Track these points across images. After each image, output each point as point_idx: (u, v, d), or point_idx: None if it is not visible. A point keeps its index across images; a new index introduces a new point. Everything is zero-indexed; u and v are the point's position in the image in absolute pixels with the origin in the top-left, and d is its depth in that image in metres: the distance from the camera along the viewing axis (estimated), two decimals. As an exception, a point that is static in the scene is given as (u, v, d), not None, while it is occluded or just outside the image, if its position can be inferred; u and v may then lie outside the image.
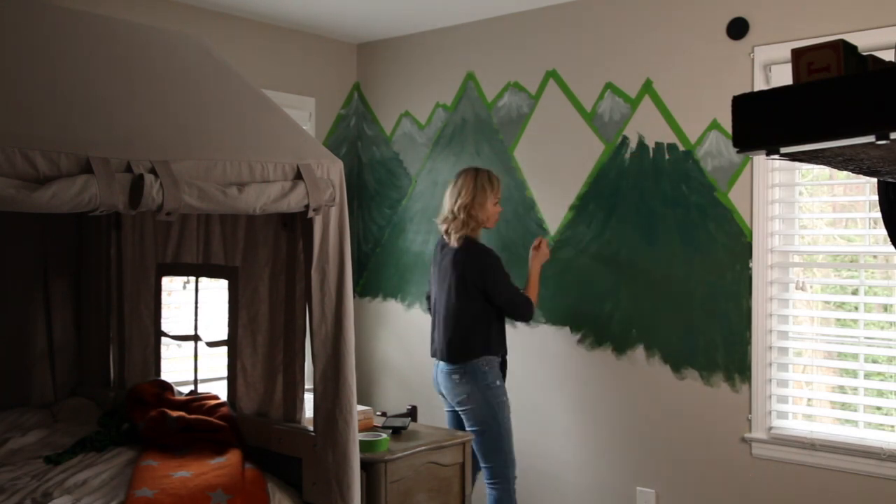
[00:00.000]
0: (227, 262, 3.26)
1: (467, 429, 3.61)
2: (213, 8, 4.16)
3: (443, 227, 3.72)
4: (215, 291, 3.56)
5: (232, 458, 2.85)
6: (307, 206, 2.66)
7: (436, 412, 4.25)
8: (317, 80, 4.67)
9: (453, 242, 3.65)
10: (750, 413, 3.54)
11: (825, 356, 3.48)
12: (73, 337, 3.75)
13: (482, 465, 3.64)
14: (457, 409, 3.67)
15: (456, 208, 3.65)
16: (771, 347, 3.51)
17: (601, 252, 3.94)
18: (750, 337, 3.53)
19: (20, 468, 2.88)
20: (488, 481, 3.65)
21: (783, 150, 1.39)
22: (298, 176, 2.65)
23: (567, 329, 4.07)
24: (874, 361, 3.38)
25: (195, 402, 3.20)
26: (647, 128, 3.80)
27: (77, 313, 3.77)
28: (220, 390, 3.36)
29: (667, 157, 3.74)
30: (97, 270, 3.71)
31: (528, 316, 3.73)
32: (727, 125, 3.12)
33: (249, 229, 3.15)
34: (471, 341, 3.61)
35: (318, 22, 4.45)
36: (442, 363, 3.69)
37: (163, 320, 3.61)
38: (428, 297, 3.98)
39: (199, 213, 2.99)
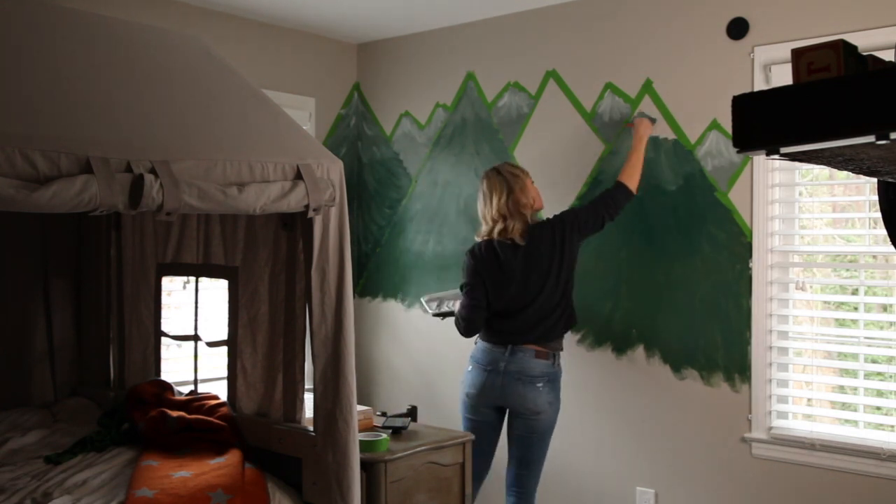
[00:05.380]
0: (227, 262, 3.26)
1: (518, 434, 3.47)
2: (213, 8, 4.15)
3: (498, 237, 3.45)
4: (215, 291, 3.56)
5: (232, 458, 2.85)
6: (307, 207, 2.66)
7: (436, 412, 4.24)
8: (317, 80, 4.67)
9: (520, 239, 3.44)
10: (750, 413, 3.54)
11: (825, 356, 3.48)
12: (73, 337, 3.75)
13: (519, 470, 3.53)
14: (528, 417, 3.43)
15: (502, 210, 3.45)
16: (771, 347, 3.51)
17: (601, 252, 3.93)
18: (750, 337, 3.53)
19: (20, 468, 2.88)
20: (517, 489, 3.54)
21: (783, 150, 1.39)
22: (298, 176, 2.65)
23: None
24: (874, 361, 3.38)
25: (195, 402, 3.20)
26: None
27: (77, 313, 3.77)
28: (220, 390, 3.36)
29: (667, 156, 3.74)
30: (97, 270, 3.71)
31: (628, 198, 3.55)
32: (727, 125, 3.12)
33: (249, 229, 3.15)
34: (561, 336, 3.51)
35: (318, 22, 4.45)
36: (524, 366, 3.41)
37: (163, 320, 3.61)
38: (473, 308, 3.46)
39: (199, 213, 3.00)
